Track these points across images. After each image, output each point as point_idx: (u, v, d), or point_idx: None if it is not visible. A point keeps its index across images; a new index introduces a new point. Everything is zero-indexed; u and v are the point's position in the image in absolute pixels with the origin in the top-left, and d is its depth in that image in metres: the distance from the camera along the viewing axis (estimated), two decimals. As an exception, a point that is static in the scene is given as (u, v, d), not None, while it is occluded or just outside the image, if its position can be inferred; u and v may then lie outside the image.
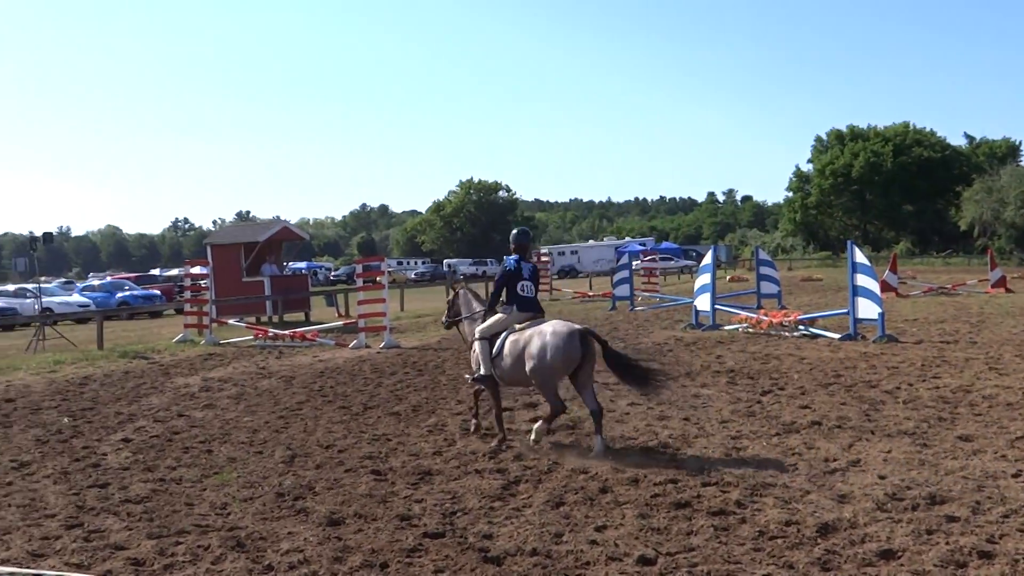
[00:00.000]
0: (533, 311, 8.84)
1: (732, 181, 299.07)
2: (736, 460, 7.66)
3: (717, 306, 20.20)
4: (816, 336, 17.05)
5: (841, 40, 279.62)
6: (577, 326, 8.29)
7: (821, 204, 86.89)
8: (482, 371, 8.75)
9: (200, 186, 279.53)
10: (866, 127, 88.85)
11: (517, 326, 8.68)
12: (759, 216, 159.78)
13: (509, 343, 8.54)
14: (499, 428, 8.78)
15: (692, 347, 16.31)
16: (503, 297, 8.97)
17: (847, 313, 16.93)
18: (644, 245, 77.56)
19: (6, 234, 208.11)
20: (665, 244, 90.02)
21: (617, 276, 29.71)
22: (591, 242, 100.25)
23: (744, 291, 30.51)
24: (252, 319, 27.61)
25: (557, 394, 8.30)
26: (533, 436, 8.42)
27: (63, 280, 68.61)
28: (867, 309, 16.34)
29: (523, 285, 8.86)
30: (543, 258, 39.17)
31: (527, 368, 8.26)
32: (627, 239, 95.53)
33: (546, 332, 8.25)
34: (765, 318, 18.37)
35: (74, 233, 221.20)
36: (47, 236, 24.28)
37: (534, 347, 8.22)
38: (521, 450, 8.27)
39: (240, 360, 17.65)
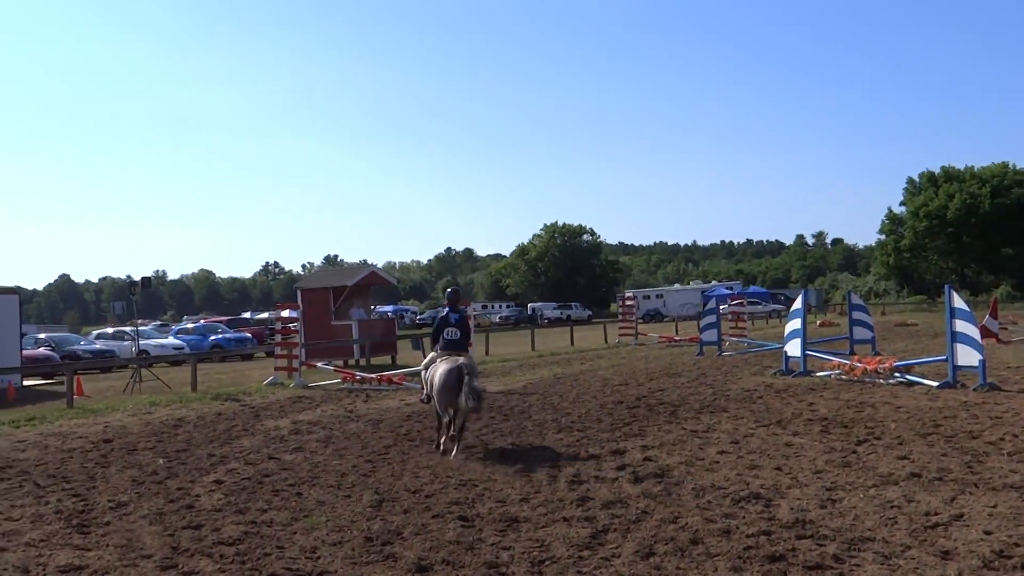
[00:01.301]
0: (453, 349, 11.92)
1: (822, 223, 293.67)
2: (832, 512, 7.44)
3: (808, 352, 19.81)
4: (913, 384, 16.54)
5: (933, 80, 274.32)
6: (458, 362, 11.23)
7: (915, 247, 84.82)
8: (424, 393, 12.04)
9: (290, 231, 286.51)
10: (962, 168, 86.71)
11: (439, 360, 11.67)
12: (850, 259, 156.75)
13: (427, 373, 11.91)
14: (437, 435, 11.78)
15: (783, 394, 16.00)
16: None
17: (945, 360, 16.41)
18: (731, 289, 76.63)
19: (106, 278, 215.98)
20: (753, 288, 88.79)
21: (704, 320, 29.39)
22: (677, 286, 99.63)
23: (836, 336, 29.86)
24: (340, 362, 28.01)
25: (439, 414, 11.47)
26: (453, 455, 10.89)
27: (158, 323, 70.72)
28: (967, 356, 15.80)
29: (448, 331, 12.10)
30: (628, 302, 39.05)
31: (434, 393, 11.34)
32: (714, 283, 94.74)
33: (439, 368, 11.37)
34: (859, 364, 17.92)
35: (169, 276, 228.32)
36: (145, 281, 25.00)
37: (434, 378, 11.40)
38: (609, 497, 8.19)
39: (328, 403, 17.89)
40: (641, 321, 64.04)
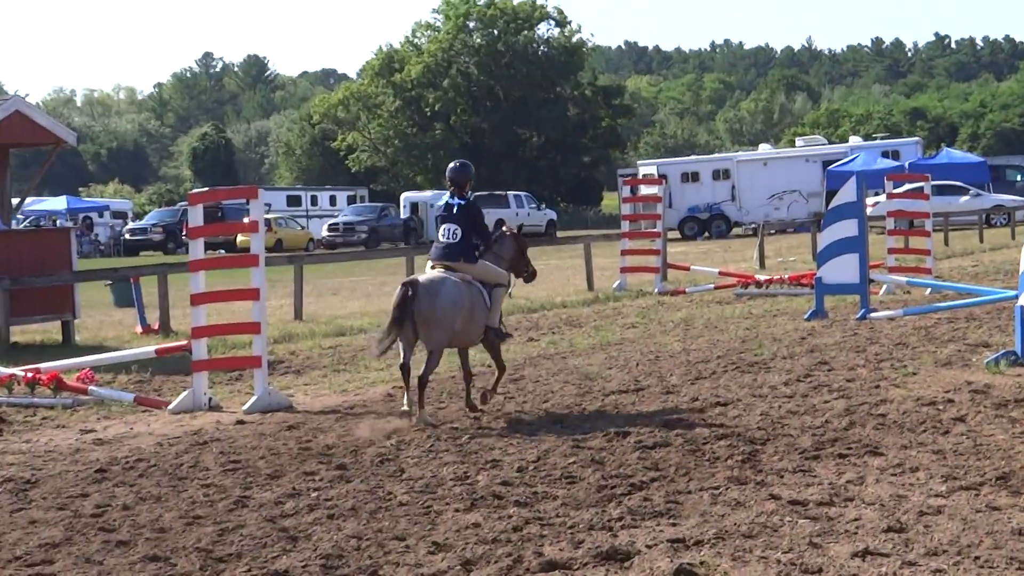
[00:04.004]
0: (438, 258, 17.69)
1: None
2: None
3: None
4: None
5: None
6: (415, 278, 17.64)
7: None
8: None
9: None
10: None
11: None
12: None
13: None
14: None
15: (1013, 411, 16.21)
16: None
17: None
18: (895, 158, 77.06)
19: None
20: (948, 153, 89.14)
21: (828, 235, 29.51)
22: (764, 148, 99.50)
23: None
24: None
25: (394, 350, 17.96)
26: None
27: None
28: None
29: (444, 228, 17.52)
30: (645, 188, 39.52)
31: None
32: (854, 141, 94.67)
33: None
34: None
35: None
36: None
37: None
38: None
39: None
40: (677, 233, 64.50)
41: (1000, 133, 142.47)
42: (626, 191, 40.96)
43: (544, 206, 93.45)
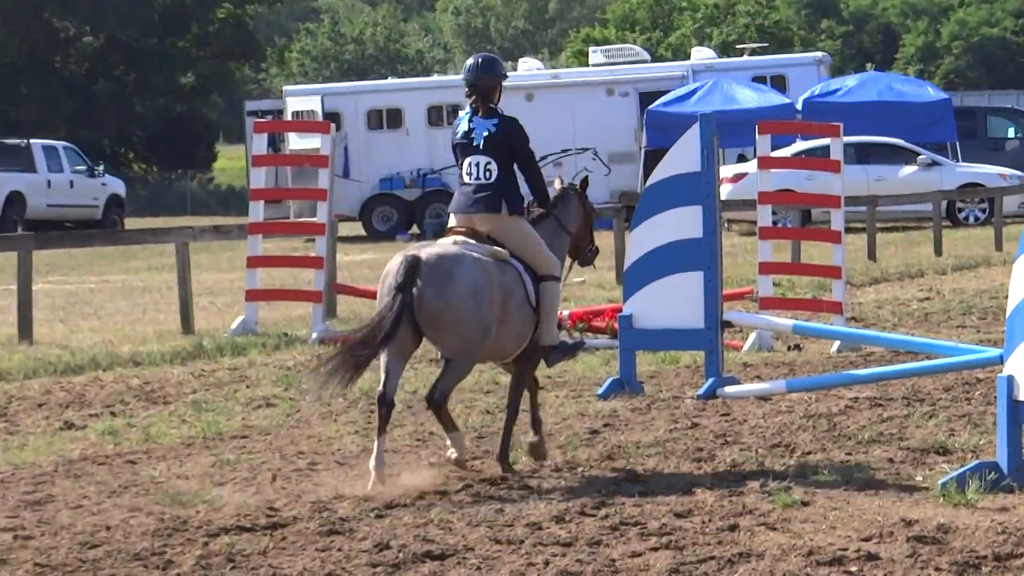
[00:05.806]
0: (465, 209, 19.62)
1: None
2: None
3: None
4: None
5: None
6: (416, 254, 18.86)
7: None
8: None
9: None
10: None
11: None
12: None
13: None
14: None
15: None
16: None
17: None
18: (782, 89, 77.69)
19: None
20: (877, 81, 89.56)
21: (644, 237, 29.04)
22: (528, 66, 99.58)
23: None
24: None
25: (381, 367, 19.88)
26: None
27: None
28: None
29: (472, 164, 19.44)
30: (297, 138, 39.45)
31: None
32: (698, 57, 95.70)
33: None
34: None
35: None
36: None
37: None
38: None
39: None
40: (360, 230, 65.02)
41: (978, 47, 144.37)
42: (260, 144, 40.46)
43: (102, 169, 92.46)
